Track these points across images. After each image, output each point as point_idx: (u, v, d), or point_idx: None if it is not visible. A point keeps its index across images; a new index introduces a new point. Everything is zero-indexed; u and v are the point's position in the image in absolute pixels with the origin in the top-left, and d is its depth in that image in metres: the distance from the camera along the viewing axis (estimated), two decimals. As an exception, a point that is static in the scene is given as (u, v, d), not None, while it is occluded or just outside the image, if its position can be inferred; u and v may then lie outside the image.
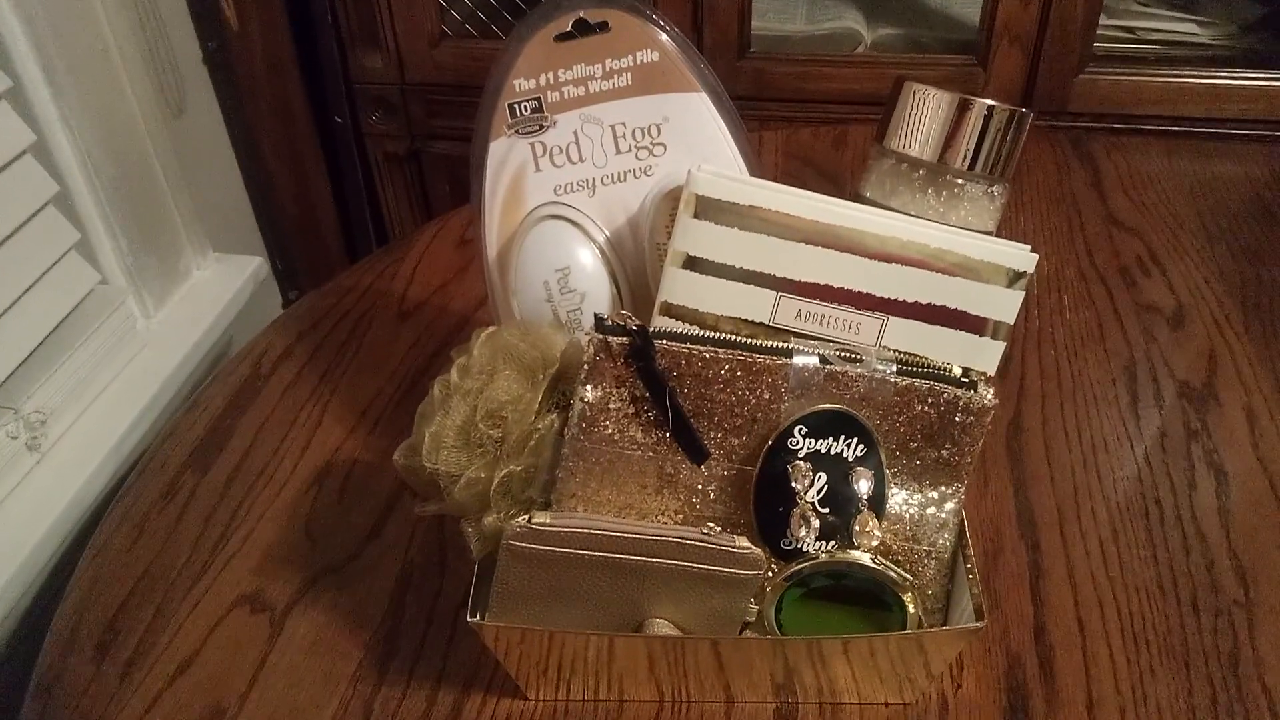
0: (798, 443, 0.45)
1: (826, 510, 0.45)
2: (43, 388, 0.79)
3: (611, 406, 0.45)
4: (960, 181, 0.49)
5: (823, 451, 0.45)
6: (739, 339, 0.45)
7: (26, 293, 0.77)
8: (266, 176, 1.17)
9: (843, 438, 0.45)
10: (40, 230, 0.79)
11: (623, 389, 0.45)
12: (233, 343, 0.99)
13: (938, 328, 0.47)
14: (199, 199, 0.99)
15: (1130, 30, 1.10)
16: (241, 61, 1.09)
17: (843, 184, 0.93)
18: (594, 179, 0.52)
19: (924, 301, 0.47)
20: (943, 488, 0.47)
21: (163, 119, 0.94)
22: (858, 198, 0.51)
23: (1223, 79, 1.01)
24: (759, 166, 0.53)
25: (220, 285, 0.99)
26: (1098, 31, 1.01)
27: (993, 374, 0.47)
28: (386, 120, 1.19)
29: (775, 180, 0.48)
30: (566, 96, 0.51)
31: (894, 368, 0.45)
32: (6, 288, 0.75)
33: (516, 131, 0.52)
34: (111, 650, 0.55)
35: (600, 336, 0.44)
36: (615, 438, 0.45)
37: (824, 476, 0.45)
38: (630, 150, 0.52)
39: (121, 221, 0.87)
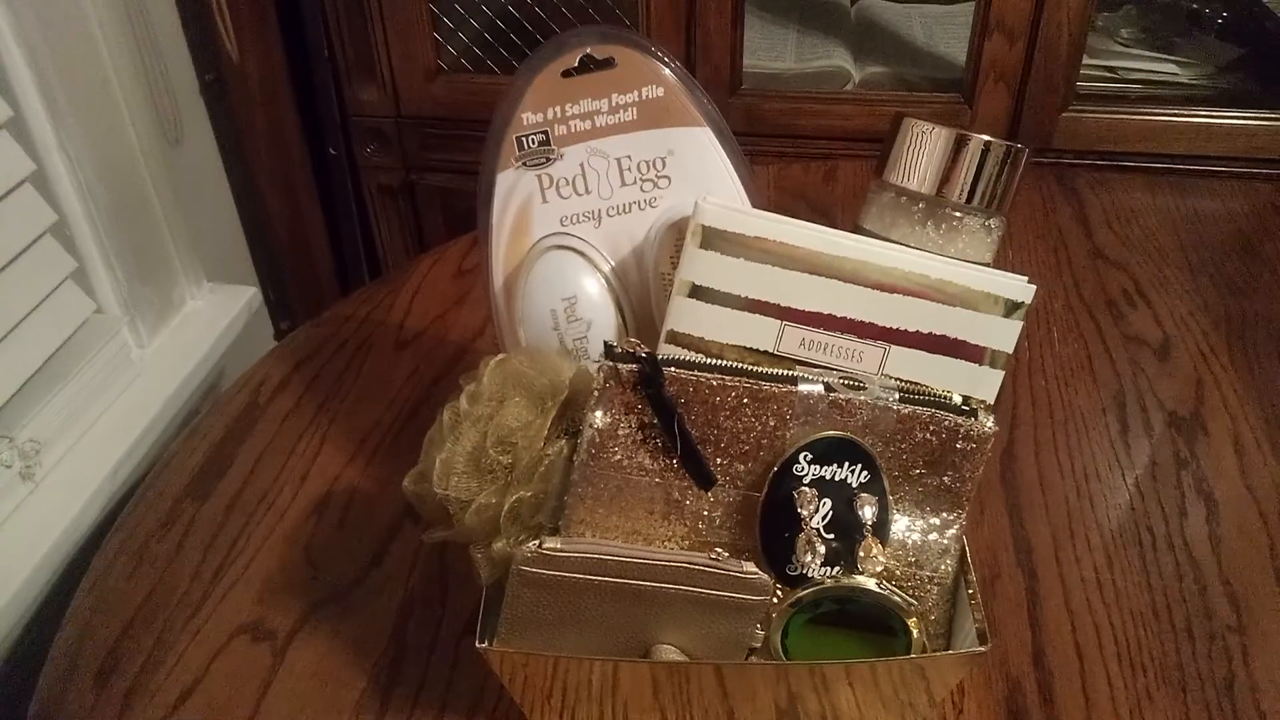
0: (803, 469, 0.46)
1: (831, 536, 0.46)
2: (37, 416, 0.78)
3: (620, 433, 0.45)
4: (958, 214, 0.50)
5: (827, 478, 0.46)
6: (746, 367, 0.46)
7: (23, 321, 0.77)
8: (261, 207, 1.18)
9: (847, 464, 0.46)
10: (38, 259, 0.79)
11: (631, 416, 0.45)
12: (225, 372, 0.99)
13: (938, 356, 0.48)
14: (194, 229, 0.99)
15: (1112, 70, 1.13)
16: (238, 93, 1.10)
17: (834, 218, 0.95)
18: (600, 210, 0.53)
19: (925, 331, 0.48)
20: (944, 514, 0.48)
21: (160, 149, 0.95)
22: (857, 230, 0.52)
23: (1203, 118, 1.04)
24: (761, 199, 0.54)
25: (214, 315, 0.99)
26: (1081, 71, 1.04)
27: (992, 402, 0.48)
28: (381, 153, 1.20)
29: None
30: (573, 130, 0.52)
31: (896, 396, 0.46)
32: (3, 316, 0.75)
33: (524, 164, 0.53)
34: (112, 679, 0.55)
35: (610, 364, 0.44)
36: (623, 464, 0.46)
37: (829, 502, 0.46)
38: (635, 183, 0.53)
39: (118, 250, 0.88)
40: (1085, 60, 1.04)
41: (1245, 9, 1.24)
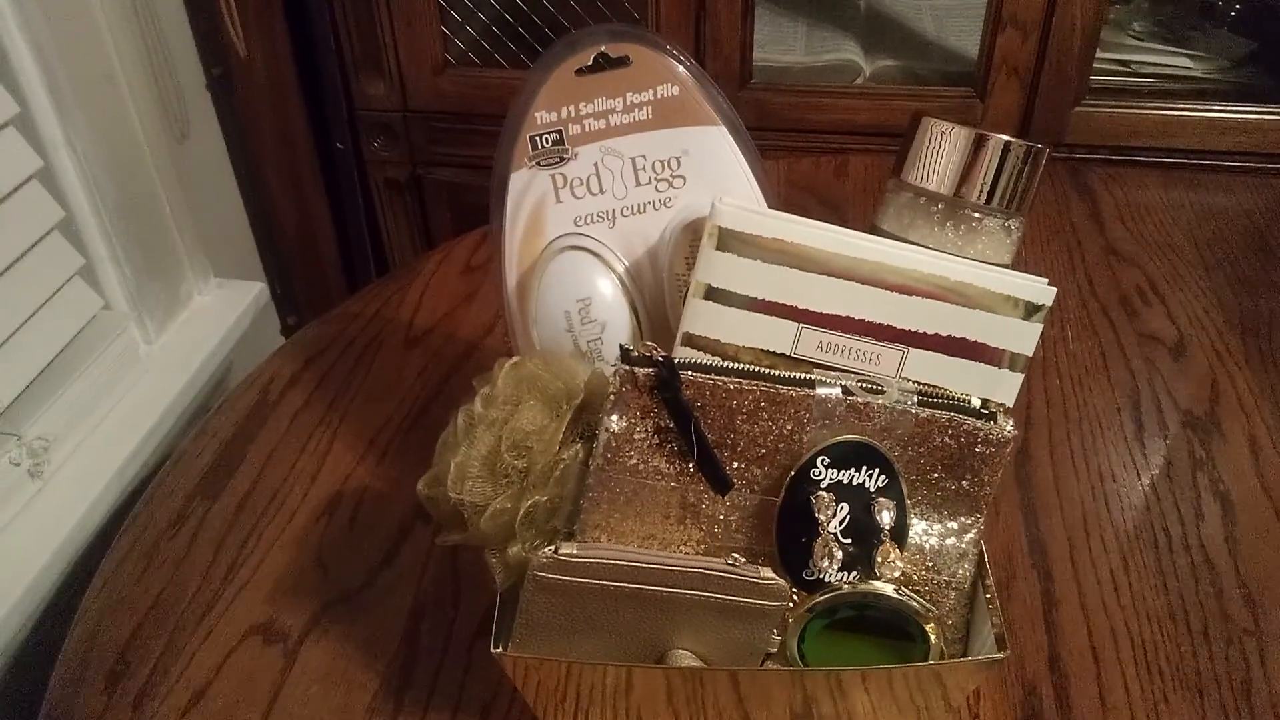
0: (820, 473, 0.45)
1: (849, 541, 0.45)
2: (45, 414, 0.78)
3: (636, 437, 0.45)
4: (977, 215, 0.49)
5: (845, 482, 0.46)
6: (763, 370, 0.45)
7: (31, 318, 0.77)
8: (268, 202, 1.17)
9: (864, 468, 0.46)
10: (45, 255, 0.79)
11: (647, 420, 0.45)
12: (233, 368, 0.98)
13: (957, 359, 0.48)
14: (201, 224, 0.99)
15: (1125, 64, 1.12)
16: (245, 87, 1.09)
17: (845, 212, 0.94)
18: (614, 210, 0.53)
19: (943, 333, 0.47)
20: (962, 518, 0.47)
21: (167, 144, 0.95)
22: (875, 230, 0.52)
23: (1216, 112, 1.03)
24: (776, 198, 0.53)
25: (221, 311, 0.99)
26: (1094, 65, 1.03)
27: (1011, 405, 0.47)
28: (388, 147, 1.20)
29: (779, 210, 0.49)
30: (587, 129, 0.52)
31: (915, 399, 0.45)
32: (11, 313, 0.75)
33: (538, 163, 0.52)
34: (123, 681, 0.54)
35: (626, 368, 0.44)
36: (639, 468, 0.45)
37: (846, 507, 0.45)
38: (650, 182, 0.52)
39: (125, 246, 0.87)
40: (1098, 54, 1.03)
41: (1258, 2, 1.23)
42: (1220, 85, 1.11)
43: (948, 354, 0.47)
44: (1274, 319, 0.80)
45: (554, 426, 0.45)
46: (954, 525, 0.47)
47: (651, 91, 0.51)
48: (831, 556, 0.45)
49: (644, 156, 0.52)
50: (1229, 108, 1.03)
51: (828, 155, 1.05)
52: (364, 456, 0.68)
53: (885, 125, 1.08)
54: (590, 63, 0.51)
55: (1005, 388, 0.48)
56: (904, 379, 0.48)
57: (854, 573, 0.45)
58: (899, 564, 0.45)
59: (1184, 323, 0.80)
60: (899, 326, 0.47)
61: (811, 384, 0.45)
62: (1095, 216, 0.94)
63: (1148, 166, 1.04)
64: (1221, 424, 0.70)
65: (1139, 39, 1.16)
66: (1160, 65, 1.12)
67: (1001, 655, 0.44)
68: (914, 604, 0.45)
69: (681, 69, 0.51)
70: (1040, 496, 0.64)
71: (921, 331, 0.47)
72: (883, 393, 0.45)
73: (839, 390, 0.45)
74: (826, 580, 0.45)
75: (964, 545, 0.47)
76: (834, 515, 0.45)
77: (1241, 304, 0.82)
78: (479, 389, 0.48)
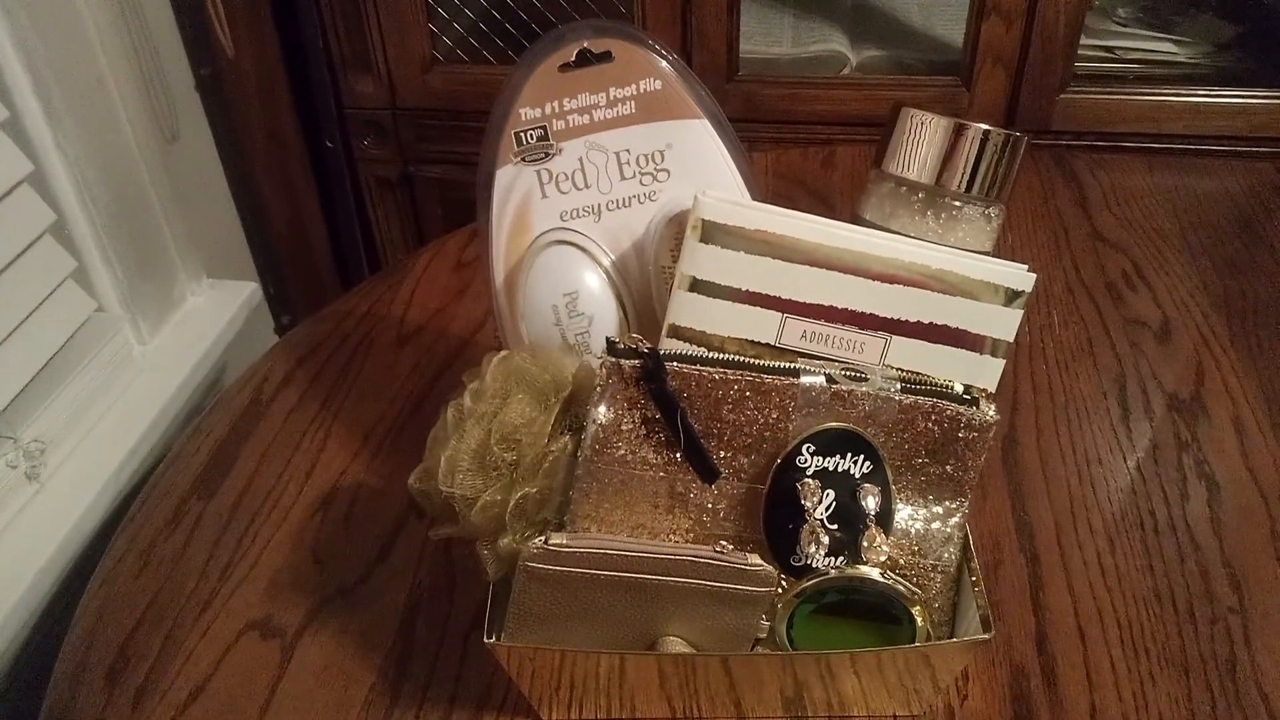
0: (806, 461, 0.46)
1: (835, 527, 0.46)
2: (41, 416, 0.79)
3: (624, 428, 0.46)
4: (958, 204, 0.50)
5: (830, 469, 0.46)
6: (747, 360, 0.46)
7: (24, 321, 0.77)
8: (259, 202, 1.17)
9: (849, 455, 0.46)
10: (37, 259, 0.79)
11: (634, 410, 0.45)
12: (227, 368, 0.99)
13: (939, 346, 0.48)
14: (192, 225, 0.99)
15: (1110, 50, 1.13)
16: (234, 87, 1.09)
17: (833, 203, 0.95)
18: (599, 205, 0.53)
19: (925, 321, 0.48)
20: (947, 503, 0.48)
21: (157, 146, 0.95)
22: (857, 220, 0.52)
23: (1201, 97, 1.04)
24: (760, 189, 0.54)
25: (214, 311, 0.99)
26: (1078, 52, 1.03)
27: (993, 390, 0.48)
28: (378, 145, 1.20)
29: (767, 200, 0.49)
30: (572, 125, 0.52)
31: (898, 386, 0.46)
32: (4, 317, 0.75)
33: (523, 159, 0.53)
34: (122, 679, 0.55)
35: (613, 359, 0.44)
36: (627, 458, 0.46)
37: (832, 494, 0.46)
38: (635, 176, 0.53)
39: (117, 249, 0.88)
40: (1082, 40, 1.03)
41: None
42: (1205, 70, 1.12)
43: (930, 341, 0.48)
44: (1259, 302, 0.80)
45: (543, 419, 0.46)
46: (939, 509, 0.48)
47: (634, 86, 0.52)
48: (818, 542, 0.45)
49: (628, 151, 0.53)
50: (1214, 92, 1.04)
51: (815, 146, 1.05)
52: (358, 453, 0.69)
53: (872, 115, 1.08)
54: (573, 58, 0.52)
55: (987, 373, 0.48)
56: (887, 366, 0.48)
57: (841, 558, 0.46)
58: (885, 549, 0.46)
59: (1169, 307, 0.80)
60: (881, 315, 0.48)
61: (796, 373, 0.46)
62: (1081, 202, 0.94)
63: (1133, 152, 1.05)
64: (1207, 406, 0.71)
65: (1123, 25, 1.16)
66: (1145, 51, 1.13)
67: (986, 636, 0.45)
68: (900, 587, 0.46)
69: (664, 63, 0.52)
70: (1027, 481, 0.65)
71: (904, 319, 0.48)
72: (866, 380, 0.46)
73: (823, 379, 0.46)
74: (814, 566, 0.46)
75: (949, 529, 0.48)
76: (820, 502, 0.46)
77: (1227, 287, 0.82)
78: (468, 383, 0.48)
